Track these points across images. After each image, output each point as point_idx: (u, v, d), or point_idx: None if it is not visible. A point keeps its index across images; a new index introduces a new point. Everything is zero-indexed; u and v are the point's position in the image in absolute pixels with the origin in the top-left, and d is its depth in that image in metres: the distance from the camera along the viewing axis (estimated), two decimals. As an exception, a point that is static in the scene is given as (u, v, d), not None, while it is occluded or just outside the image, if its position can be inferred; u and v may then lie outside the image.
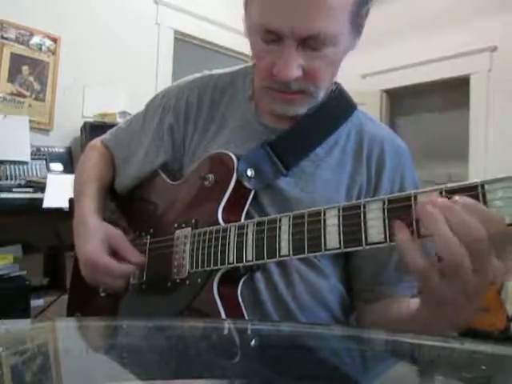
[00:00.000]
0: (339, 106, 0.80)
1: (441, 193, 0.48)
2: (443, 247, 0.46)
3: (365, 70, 3.69)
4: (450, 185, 0.48)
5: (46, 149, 2.46)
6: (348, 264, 0.77)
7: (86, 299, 0.93)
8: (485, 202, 0.45)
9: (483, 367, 0.43)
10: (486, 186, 0.45)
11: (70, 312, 0.96)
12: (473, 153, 3.28)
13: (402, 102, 4.11)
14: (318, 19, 0.61)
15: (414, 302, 0.65)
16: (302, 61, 0.65)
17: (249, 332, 0.59)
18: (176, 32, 3.15)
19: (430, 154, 3.82)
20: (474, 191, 0.46)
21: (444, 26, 3.29)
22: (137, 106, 1.04)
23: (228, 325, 0.62)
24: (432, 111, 4.15)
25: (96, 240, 0.77)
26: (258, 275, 0.72)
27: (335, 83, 0.81)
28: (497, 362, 0.45)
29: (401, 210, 0.50)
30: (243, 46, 0.80)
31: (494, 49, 3.17)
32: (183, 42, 3.26)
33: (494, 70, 3.18)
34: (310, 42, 0.63)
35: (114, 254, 0.77)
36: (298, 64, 0.65)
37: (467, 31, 3.20)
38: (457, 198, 0.46)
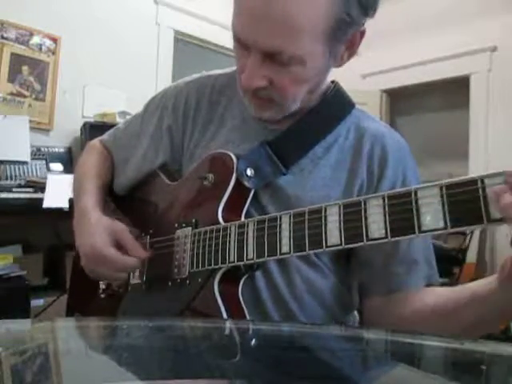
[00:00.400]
0: (337, 105, 0.80)
1: (440, 188, 0.48)
2: None
3: (365, 70, 3.69)
4: (449, 180, 0.48)
5: (45, 149, 2.46)
6: (355, 259, 0.77)
7: (85, 299, 0.93)
8: (484, 196, 0.45)
9: (483, 367, 0.43)
10: (486, 181, 0.46)
11: (70, 312, 0.96)
12: (473, 152, 3.28)
13: (402, 102, 4.11)
14: (280, 38, 0.61)
15: (475, 285, 0.65)
16: (269, 72, 0.66)
17: (249, 332, 0.59)
18: (176, 32, 3.15)
19: (430, 153, 3.82)
20: (474, 186, 0.46)
21: (444, 26, 3.29)
22: (136, 106, 1.04)
23: (228, 325, 0.62)
24: (432, 111, 4.16)
25: (100, 233, 0.76)
26: (259, 275, 0.72)
27: (332, 82, 0.81)
28: (497, 362, 0.45)
29: (401, 205, 0.51)
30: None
31: (494, 49, 3.17)
32: (183, 42, 3.27)
33: (494, 70, 3.18)
34: (275, 57, 0.64)
35: (119, 247, 0.77)
36: (262, 75, 0.66)
37: (467, 31, 3.21)
38: None
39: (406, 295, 0.72)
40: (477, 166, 3.22)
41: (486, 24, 3.13)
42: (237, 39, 0.66)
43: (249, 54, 0.65)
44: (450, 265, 2.90)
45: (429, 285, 0.73)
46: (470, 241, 2.98)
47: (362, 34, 0.69)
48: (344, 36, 0.66)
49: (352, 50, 0.70)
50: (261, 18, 0.61)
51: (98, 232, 0.76)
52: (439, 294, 0.70)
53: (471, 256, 3.02)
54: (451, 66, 3.31)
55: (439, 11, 3.33)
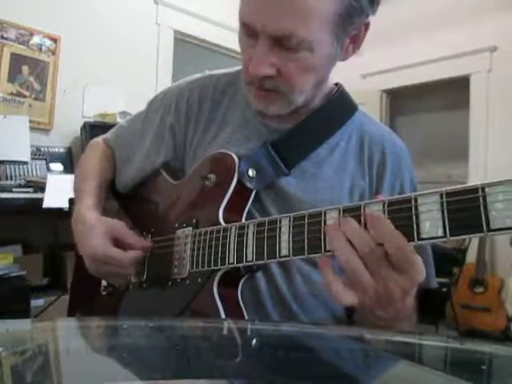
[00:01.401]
0: (341, 107, 0.80)
1: (441, 195, 0.48)
2: (340, 258, 0.52)
3: (365, 70, 3.70)
4: (450, 188, 0.48)
5: (46, 149, 2.46)
6: None
7: (87, 298, 0.93)
8: (485, 205, 0.45)
9: (483, 367, 0.43)
10: (487, 189, 0.45)
11: (71, 311, 0.97)
12: (473, 153, 3.28)
13: (402, 101, 4.11)
14: (290, 20, 0.61)
15: None
16: (276, 60, 0.65)
17: (249, 332, 0.59)
18: (176, 32, 3.15)
19: (429, 154, 3.82)
20: (475, 194, 0.45)
21: (444, 26, 3.29)
22: (137, 106, 1.05)
23: (228, 325, 0.62)
24: (432, 111, 4.16)
25: (98, 234, 0.76)
26: (259, 275, 0.72)
27: (336, 84, 0.81)
28: (497, 361, 0.45)
29: (401, 211, 0.50)
30: (243, 46, 0.80)
31: (494, 49, 3.17)
32: (183, 42, 3.27)
33: (494, 70, 3.18)
34: (284, 43, 0.63)
35: (118, 244, 0.77)
36: (270, 62, 0.65)
37: (467, 31, 3.21)
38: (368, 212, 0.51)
39: None
40: (477, 167, 3.22)
41: (486, 24, 3.13)
42: (244, 25, 0.66)
43: (256, 42, 0.65)
44: (449, 265, 2.90)
45: (426, 289, 0.73)
46: (469, 241, 2.98)
47: (367, 27, 0.69)
48: (351, 25, 0.66)
49: (356, 43, 0.70)
50: (270, 1, 0.61)
51: (95, 233, 0.77)
52: None
53: (471, 256, 3.02)
54: (451, 65, 3.31)
55: (439, 11, 3.33)
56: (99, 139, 1.00)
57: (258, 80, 0.68)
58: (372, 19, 0.68)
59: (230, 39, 3.16)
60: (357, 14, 0.64)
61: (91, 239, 0.76)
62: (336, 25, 0.64)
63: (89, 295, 0.91)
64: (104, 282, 0.89)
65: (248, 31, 0.66)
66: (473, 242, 3.00)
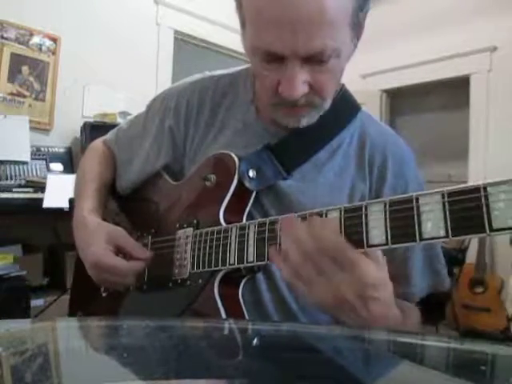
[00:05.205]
0: (343, 109, 0.78)
1: (442, 195, 0.48)
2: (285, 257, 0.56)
3: (365, 70, 3.69)
4: (451, 187, 0.48)
5: (46, 149, 2.46)
6: None
7: (87, 299, 0.93)
8: (487, 205, 0.45)
9: (483, 367, 0.43)
10: (489, 189, 0.45)
11: (72, 311, 0.97)
12: (473, 153, 3.28)
13: (402, 101, 4.11)
14: (321, 37, 0.59)
15: None
16: (307, 76, 0.63)
17: (249, 332, 0.59)
18: (176, 32, 3.15)
19: (429, 153, 3.82)
20: (477, 194, 0.45)
21: (444, 26, 3.29)
22: (137, 106, 1.05)
23: (228, 325, 0.62)
24: (432, 111, 4.15)
25: (100, 241, 0.76)
26: (260, 276, 0.72)
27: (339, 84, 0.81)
28: (497, 362, 0.45)
29: (402, 212, 0.50)
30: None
31: (494, 49, 3.17)
32: (183, 42, 3.27)
33: (494, 70, 3.18)
34: (314, 58, 0.61)
35: (120, 252, 0.77)
36: (303, 81, 0.63)
37: (467, 31, 3.20)
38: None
39: None
40: (477, 167, 3.21)
41: (486, 24, 3.13)
42: (268, 53, 0.62)
43: (281, 65, 0.62)
44: (450, 265, 2.88)
45: (433, 292, 0.73)
46: (469, 241, 2.98)
47: (365, 15, 0.67)
48: (360, 15, 0.64)
49: (360, 34, 0.68)
50: (298, 24, 0.57)
51: (96, 240, 0.76)
52: None
53: (471, 256, 3.02)
54: (451, 65, 3.31)
55: (439, 11, 3.32)
56: (99, 141, 1.00)
57: (293, 101, 0.66)
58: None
59: (230, 39, 3.16)
60: (365, 5, 0.64)
61: (92, 246, 0.76)
62: (354, 23, 0.63)
63: (89, 296, 0.91)
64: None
65: (270, 58, 0.63)
66: (473, 241, 3.00)
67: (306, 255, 0.54)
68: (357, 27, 0.65)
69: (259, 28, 0.61)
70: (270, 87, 0.66)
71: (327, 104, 0.71)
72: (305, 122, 0.71)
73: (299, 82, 0.63)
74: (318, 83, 0.65)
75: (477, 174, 3.17)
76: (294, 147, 0.75)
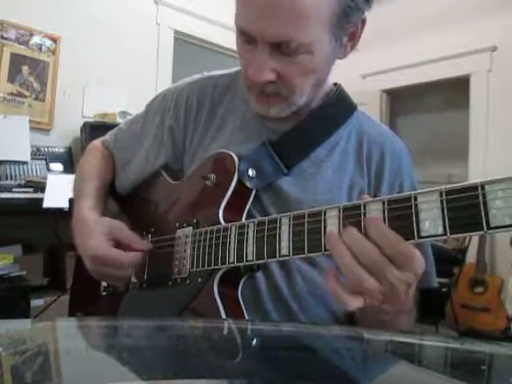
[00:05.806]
0: (340, 107, 0.80)
1: (440, 193, 0.48)
2: (344, 268, 0.52)
3: (365, 70, 3.70)
4: (449, 186, 0.48)
5: (45, 149, 2.46)
6: None
7: (87, 299, 0.93)
8: (485, 203, 0.45)
9: (483, 367, 0.43)
10: (487, 187, 0.45)
11: (72, 311, 0.97)
12: (473, 153, 3.28)
13: (402, 102, 4.11)
14: (289, 26, 0.61)
15: None
16: (276, 65, 0.65)
17: (249, 332, 0.59)
18: (176, 32, 3.15)
19: (429, 153, 3.82)
20: (474, 192, 0.45)
21: (444, 26, 3.29)
22: (137, 106, 1.05)
23: (228, 325, 0.62)
24: (432, 111, 4.16)
25: (98, 234, 0.76)
26: (260, 275, 0.72)
27: (335, 84, 0.81)
28: (497, 361, 0.45)
29: (400, 210, 0.50)
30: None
31: (494, 49, 3.17)
32: (183, 42, 3.27)
33: (494, 70, 3.18)
34: (282, 48, 0.63)
35: (118, 244, 0.77)
36: (270, 68, 0.65)
37: (467, 31, 3.21)
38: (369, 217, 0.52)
39: None
40: (477, 167, 3.22)
41: (486, 24, 3.13)
42: (242, 32, 0.65)
43: (255, 48, 0.65)
44: (449, 265, 2.90)
45: (426, 289, 0.73)
46: (469, 241, 2.98)
47: (363, 23, 0.68)
48: (348, 24, 0.66)
49: (354, 40, 0.70)
50: (268, 8, 0.60)
51: (95, 234, 0.76)
52: None
53: (471, 256, 3.02)
54: (451, 65, 3.31)
55: (439, 11, 3.33)
56: (98, 142, 1.00)
57: (259, 85, 0.68)
58: (372, 19, 0.69)
59: (230, 39, 3.16)
60: (353, 12, 0.64)
61: (91, 240, 0.76)
62: (334, 25, 0.64)
63: (89, 295, 0.91)
64: (104, 283, 0.89)
65: (245, 37, 0.66)
66: (473, 241, 3.00)
67: (367, 262, 0.51)
68: (337, 34, 0.65)
69: (239, 6, 0.65)
70: (244, 68, 0.69)
71: (299, 99, 0.71)
72: (274, 112, 0.72)
73: (265, 67, 0.65)
74: (286, 74, 0.66)
75: (477, 173, 3.17)
76: (293, 144, 0.76)
